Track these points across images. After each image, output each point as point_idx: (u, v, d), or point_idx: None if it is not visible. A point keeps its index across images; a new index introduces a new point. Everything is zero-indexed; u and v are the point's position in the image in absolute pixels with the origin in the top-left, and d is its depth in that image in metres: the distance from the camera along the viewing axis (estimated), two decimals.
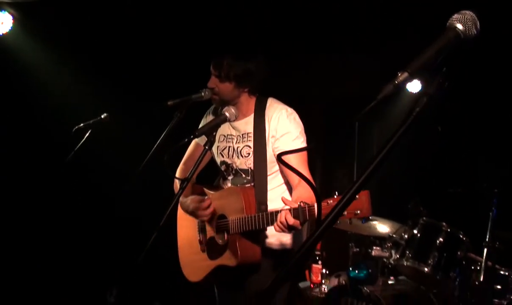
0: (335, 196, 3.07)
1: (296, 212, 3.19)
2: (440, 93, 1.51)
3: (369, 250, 5.62)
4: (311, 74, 7.16)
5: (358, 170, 7.43)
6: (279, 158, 1.83)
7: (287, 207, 3.27)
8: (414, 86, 6.84)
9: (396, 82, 1.53)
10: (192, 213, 3.96)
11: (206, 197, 3.93)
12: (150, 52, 6.52)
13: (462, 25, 1.60)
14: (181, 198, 4.00)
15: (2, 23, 5.93)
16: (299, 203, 3.18)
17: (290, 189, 3.82)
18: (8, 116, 6.29)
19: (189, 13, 6.10)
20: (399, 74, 1.53)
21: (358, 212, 2.93)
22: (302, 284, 6.03)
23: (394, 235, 5.36)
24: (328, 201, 3.07)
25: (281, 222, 3.25)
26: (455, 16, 1.61)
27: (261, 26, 6.29)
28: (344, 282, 5.57)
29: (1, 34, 5.97)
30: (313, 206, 3.14)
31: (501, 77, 6.04)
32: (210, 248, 3.95)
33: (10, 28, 5.98)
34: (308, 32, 6.57)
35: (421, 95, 1.53)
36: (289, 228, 3.25)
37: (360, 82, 6.97)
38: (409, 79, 1.52)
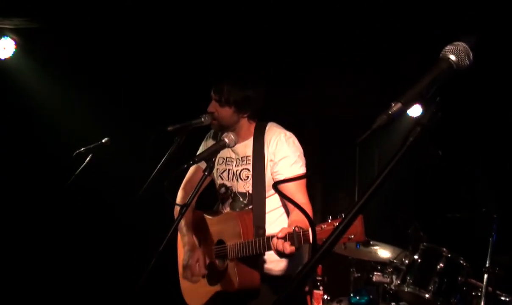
0: (329, 220, 3.07)
1: (291, 236, 3.18)
2: (433, 123, 1.53)
3: (370, 276, 5.59)
4: (308, 96, 7.19)
5: (359, 193, 7.42)
6: (274, 186, 1.85)
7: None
8: (415, 111, 6.85)
9: (390, 112, 1.55)
10: (183, 267, 3.97)
11: (202, 268, 3.92)
12: (151, 77, 6.56)
13: (455, 56, 1.63)
14: (183, 227, 4.01)
15: (5, 48, 5.99)
16: (293, 228, 3.17)
17: (288, 211, 3.82)
18: (8, 140, 6.32)
19: (191, 38, 6.14)
20: (393, 105, 1.56)
21: (352, 236, 2.93)
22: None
23: (395, 260, 5.34)
24: (322, 226, 3.05)
25: (277, 248, 3.24)
26: (448, 47, 1.64)
27: (259, 48, 6.32)
28: None
29: (3, 59, 6.02)
30: (308, 230, 3.13)
31: (499, 102, 6.06)
32: (210, 273, 3.94)
33: (12, 53, 6.04)
34: (305, 54, 6.61)
35: (415, 125, 1.55)
36: (286, 255, 3.22)
37: (358, 104, 7.00)
38: (403, 109, 1.54)
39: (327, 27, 6.07)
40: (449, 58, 1.62)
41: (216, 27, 5.98)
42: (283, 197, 1.77)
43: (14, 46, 6.05)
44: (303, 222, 3.31)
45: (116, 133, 4.55)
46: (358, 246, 5.60)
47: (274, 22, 5.96)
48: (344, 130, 7.10)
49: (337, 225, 1.54)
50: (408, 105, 1.54)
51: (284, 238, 3.19)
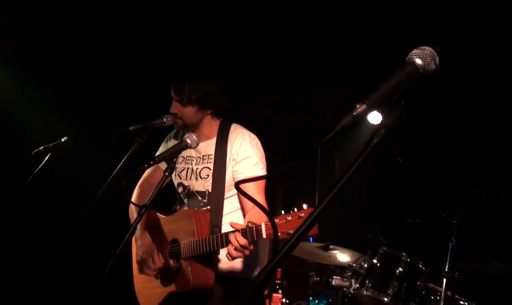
0: (282, 214, 3.08)
1: (244, 232, 3.17)
2: (398, 126, 1.52)
3: (329, 279, 5.60)
4: (272, 102, 7.20)
5: (319, 198, 7.44)
6: (236, 185, 1.83)
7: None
8: (375, 118, 6.91)
9: (355, 113, 1.54)
10: (139, 264, 3.92)
11: (157, 259, 3.87)
12: (112, 76, 6.50)
13: (422, 60, 1.62)
14: (137, 228, 3.94)
15: None
16: (247, 224, 3.17)
17: (245, 214, 3.81)
18: None
19: (149, 37, 6.11)
20: (358, 106, 1.54)
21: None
22: None
23: (354, 264, 5.37)
24: (276, 220, 3.06)
25: (232, 243, 3.21)
26: (415, 51, 1.64)
27: (223, 54, 6.32)
28: None
29: None
30: (260, 225, 3.12)
31: (461, 108, 6.14)
32: (163, 274, 3.90)
33: None
34: (271, 60, 6.62)
35: (379, 127, 1.54)
36: (242, 248, 3.21)
37: (321, 111, 7.02)
38: (367, 111, 1.53)
39: (296, 34, 6.10)
40: (415, 62, 1.62)
41: (178, 26, 5.95)
42: (243, 195, 1.75)
43: None
44: (257, 220, 3.31)
45: (76, 133, 4.47)
46: (311, 240, 5.64)
47: (239, 24, 5.97)
48: (308, 139, 7.13)
49: (298, 227, 1.51)
50: (373, 106, 1.53)
51: (240, 233, 3.20)
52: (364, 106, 1.53)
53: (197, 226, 3.60)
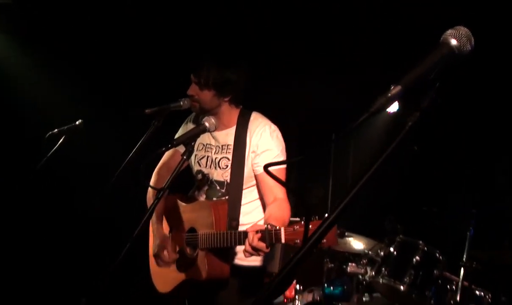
0: (302, 222, 3.05)
1: (263, 234, 3.12)
2: (433, 109, 1.46)
3: (344, 266, 5.56)
4: (286, 90, 7.14)
5: (333, 186, 7.39)
6: (266, 168, 1.76)
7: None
8: (392, 107, 6.85)
9: (389, 95, 1.47)
10: (154, 254, 3.91)
11: (173, 254, 3.86)
12: (129, 59, 6.45)
13: (457, 40, 1.56)
14: (155, 212, 3.91)
15: None
16: (266, 226, 3.12)
17: (263, 205, 3.76)
18: None
19: (170, 19, 6.05)
20: (392, 87, 1.48)
21: (324, 241, 2.90)
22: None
23: (370, 252, 5.32)
24: (295, 227, 3.02)
25: (249, 244, 3.17)
26: (449, 31, 1.58)
27: (244, 41, 6.26)
28: (318, 298, 5.50)
29: None
30: (279, 230, 3.06)
31: (482, 96, 6.05)
32: (180, 260, 3.88)
33: None
34: (285, 48, 6.57)
35: (413, 110, 1.48)
36: (255, 250, 3.17)
37: (335, 99, 6.97)
38: (402, 92, 1.47)
39: (311, 25, 6.05)
40: (450, 42, 1.55)
41: (197, 10, 5.90)
42: (273, 177, 1.69)
43: None
44: (279, 218, 3.31)
45: (91, 116, 4.43)
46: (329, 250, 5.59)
47: (259, 13, 5.92)
48: (322, 125, 7.09)
49: (324, 219, 1.46)
50: (408, 88, 1.47)
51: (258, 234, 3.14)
52: (398, 88, 1.47)
53: (216, 219, 3.57)
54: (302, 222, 3.02)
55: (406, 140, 1.43)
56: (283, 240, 3.04)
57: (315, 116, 7.49)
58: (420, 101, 1.49)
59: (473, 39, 1.55)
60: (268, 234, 3.08)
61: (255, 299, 1.51)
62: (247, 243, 3.17)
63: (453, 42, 1.55)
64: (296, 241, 3.00)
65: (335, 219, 1.44)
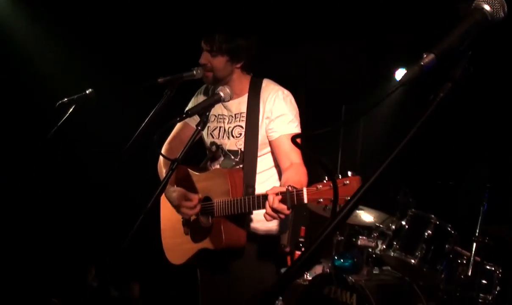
0: (325, 181, 2.97)
1: (284, 196, 3.07)
2: (465, 79, 1.41)
3: (354, 239, 5.55)
4: (294, 59, 7.08)
5: (342, 159, 7.36)
6: (293, 139, 1.72)
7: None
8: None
9: (422, 63, 1.41)
10: (176, 207, 3.83)
11: (193, 195, 3.76)
12: (140, 27, 6.40)
13: (490, 6, 1.49)
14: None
15: None
16: (287, 187, 3.07)
17: (279, 171, 3.72)
18: None
19: None
20: (425, 56, 1.42)
21: (348, 198, 2.84)
22: (284, 271, 5.93)
23: (381, 225, 5.31)
24: (318, 186, 2.97)
25: (269, 206, 3.12)
26: None
27: (255, 7, 6.20)
28: (328, 271, 5.48)
29: None
30: (302, 190, 3.01)
31: (499, 74, 5.96)
32: (194, 231, 3.84)
33: None
34: (293, 18, 6.51)
35: (444, 80, 1.42)
36: (276, 213, 3.11)
37: (343, 69, 6.92)
38: (435, 61, 1.41)
39: None
40: (483, 8, 1.48)
41: None
42: (300, 149, 1.63)
43: None
44: (297, 182, 3.23)
45: (102, 84, 4.39)
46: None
47: None
48: (331, 96, 7.04)
49: (360, 186, 1.42)
50: (441, 56, 1.41)
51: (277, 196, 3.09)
52: (431, 56, 1.41)
53: (232, 186, 3.52)
54: (325, 181, 2.95)
55: (437, 113, 1.37)
56: (305, 200, 3.00)
57: (323, 82, 7.44)
58: (451, 71, 1.43)
59: (506, 6, 1.48)
60: (289, 195, 3.04)
61: (285, 271, 1.47)
62: (267, 205, 3.12)
63: (486, 7, 1.49)
64: (320, 200, 2.95)
65: (367, 191, 1.39)
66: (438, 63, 1.40)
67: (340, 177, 2.90)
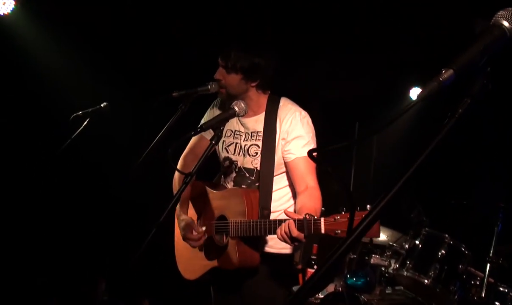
0: (343, 212, 2.99)
1: (300, 224, 3.08)
2: (483, 95, 1.39)
3: (366, 258, 5.51)
4: (309, 75, 7.08)
5: (355, 177, 7.32)
6: (310, 153, 1.70)
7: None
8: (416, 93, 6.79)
9: (441, 79, 1.40)
10: (182, 236, 3.85)
11: (200, 229, 3.79)
12: (157, 41, 6.42)
13: (509, 22, 1.47)
14: (177, 205, 3.88)
15: (4, 3, 5.80)
16: (304, 216, 3.08)
17: (293, 190, 3.71)
18: (4, 100, 6.18)
19: (199, 2, 6.01)
20: (444, 71, 1.40)
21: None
22: (296, 289, 5.89)
23: (394, 244, 5.27)
24: (336, 217, 2.98)
25: (284, 232, 3.14)
26: (501, 12, 1.49)
27: (267, 23, 6.21)
28: (340, 289, 5.44)
29: (2, 14, 5.84)
30: (319, 220, 3.03)
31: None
32: (208, 248, 3.83)
33: (11, 9, 5.86)
34: (308, 32, 6.51)
35: (463, 96, 1.41)
36: (291, 240, 3.15)
37: (358, 86, 6.91)
38: (453, 76, 1.39)
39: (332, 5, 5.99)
40: (502, 25, 1.46)
41: None
42: (317, 163, 1.63)
43: (14, 2, 5.86)
44: (312, 208, 3.26)
45: (116, 98, 4.40)
46: (371, 242, 5.52)
47: None
48: (345, 112, 7.03)
49: (367, 214, 1.40)
50: (460, 72, 1.39)
51: (294, 224, 3.11)
52: (450, 71, 1.39)
53: (248, 207, 3.52)
54: (343, 212, 2.96)
55: (455, 128, 1.36)
56: (323, 230, 3.00)
57: (337, 98, 7.43)
58: (470, 87, 1.41)
59: None
60: (306, 224, 3.05)
61: (297, 290, 1.45)
62: (282, 231, 3.15)
63: (505, 23, 1.47)
64: (337, 231, 2.96)
65: (382, 210, 1.37)
66: (456, 79, 1.39)
67: (358, 209, 2.90)
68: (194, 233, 3.76)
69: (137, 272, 3.00)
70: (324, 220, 3.01)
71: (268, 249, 3.69)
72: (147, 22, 6.29)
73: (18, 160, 6.18)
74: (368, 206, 2.88)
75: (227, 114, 3.36)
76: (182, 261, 4.11)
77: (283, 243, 3.59)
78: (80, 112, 4.20)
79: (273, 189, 3.67)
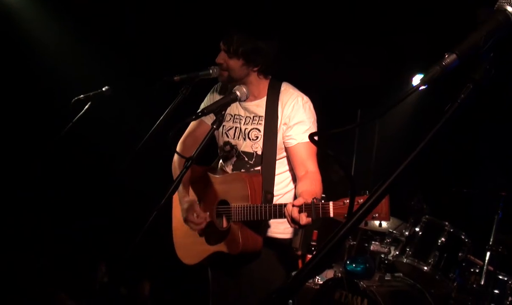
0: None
1: (308, 208, 3.08)
2: (486, 81, 1.38)
3: (366, 245, 5.53)
4: (311, 62, 7.06)
5: (356, 165, 7.32)
6: (311, 137, 1.70)
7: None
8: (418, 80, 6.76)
9: (444, 63, 1.39)
10: (184, 219, 3.82)
11: (203, 213, 3.76)
12: (158, 25, 6.40)
13: None
14: (180, 187, 3.85)
15: None
16: (312, 199, 3.08)
17: (293, 176, 3.71)
18: (7, 83, 6.17)
19: None
20: (447, 56, 1.39)
21: (376, 215, 2.89)
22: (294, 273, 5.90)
23: (394, 231, 5.28)
24: (344, 201, 2.99)
25: (293, 218, 3.13)
26: None
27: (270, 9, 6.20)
28: (339, 275, 5.45)
29: None
30: (328, 204, 3.04)
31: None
32: (208, 233, 3.81)
33: None
34: (310, 20, 6.49)
35: (465, 82, 1.40)
36: (299, 225, 3.14)
37: (360, 73, 6.89)
38: (457, 61, 1.38)
39: None
40: (506, 10, 1.45)
41: None
42: (319, 147, 1.62)
43: None
44: (314, 193, 3.25)
45: (118, 82, 4.39)
46: (380, 225, 5.54)
47: None
48: (347, 99, 7.02)
49: (373, 191, 1.40)
50: (463, 57, 1.38)
51: (300, 208, 3.10)
52: (453, 56, 1.38)
53: (251, 192, 3.51)
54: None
55: (457, 114, 1.35)
56: (331, 214, 3.02)
57: (339, 85, 7.42)
58: (472, 72, 1.40)
59: None
60: (314, 208, 3.05)
61: (295, 273, 1.45)
62: (290, 215, 3.14)
63: (509, 9, 1.45)
64: (346, 215, 2.96)
65: (383, 193, 1.37)
66: (459, 63, 1.38)
67: (365, 193, 2.91)
68: (195, 215, 3.74)
69: (137, 255, 3.00)
70: (333, 203, 3.02)
71: (269, 233, 3.70)
72: (149, 5, 6.27)
73: (19, 144, 6.18)
74: (367, 192, 2.90)
75: (229, 98, 3.36)
76: (181, 247, 4.09)
77: (284, 227, 3.62)
78: (82, 95, 4.18)
79: (275, 173, 3.66)
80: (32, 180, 6.10)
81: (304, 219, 3.08)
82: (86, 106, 4.17)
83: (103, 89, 4.21)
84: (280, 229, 3.69)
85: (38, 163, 5.72)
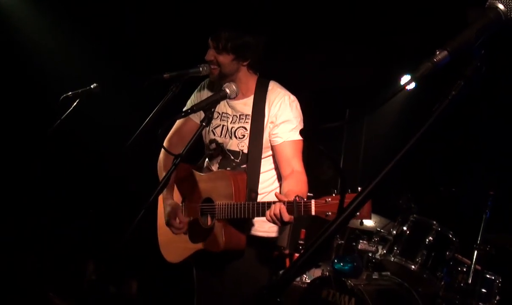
0: (334, 194, 3.03)
1: (290, 206, 3.09)
2: (477, 77, 1.38)
3: (354, 243, 5.54)
4: (299, 62, 7.07)
5: (345, 161, 7.34)
6: (302, 132, 1.70)
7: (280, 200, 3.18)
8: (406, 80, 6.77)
9: (435, 60, 1.39)
10: (166, 222, 3.82)
11: (183, 218, 3.79)
12: (147, 22, 6.39)
13: (504, 5, 1.46)
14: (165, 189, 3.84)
15: None
16: (294, 198, 3.09)
17: (278, 174, 3.73)
18: None
19: None
20: (438, 52, 1.40)
21: (358, 213, 2.86)
22: (282, 272, 5.90)
23: (382, 230, 5.29)
24: (327, 199, 3.00)
25: (274, 215, 3.15)
26: None
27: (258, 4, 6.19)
28: (327, 274, 5.46)
29: None
30: (309, 202, 3.05)
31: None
32: (192, 231, 3.82)
33: None
34: (299, 20, 6.50)
35: (456, 78, 1.40)
36: (282, 222, 3.16)
37: (349, 73, 6.90)
38: (448, 58, 1.39)
39: None
40: (497, 7, 1.45)
41: None
42: (311, 142, 1.63)
43: None
44: (299, 192, 3.25)
45: (107, 79, 4.37)
46: (361, 223, 5.53)
47: None
48: (335, 99, 7.03)
49: (358, 194, 1.40)
50: (454, 54, 1.38)
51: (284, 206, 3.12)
52: (444, 53, 1.38)
53: (235, 190, 3.51)
54: (334, 194, 2.97)
55: (448, 112, 1.35)
56: (313, 212, 3.03)
57: (328, 85, 7.43)
58: (463, 70, 1.41)
59: None
60: (296, 206, 3.06)
61: (284, 271, 1.45)
62: (271, 212, 3.16)
63: (500, 6, 1.46)
64: (328, 213, 2.98)
65: (372, 191, 1.37)
66: (450, 60, 1.38)
67: (350, 192, 2.91)
68: (177, 220, 3.75)
69: (125, 254, 2.99)
70: (315, 201, 3.03)
71: (253, 232, 3.70)
72: (137, 3, 6.25)
73: (7, 141, 6.15)
74: (359, 188, 2.89)
75: (218, 96, 3.35)
76: (165, 245, 4.09)
77: (269, 226, 3.62)
78: (70, 93, 4.16)
79: (260, 171, 3.67)
80: (19, 176, 6.09)
81: (286, 216, 3.10)
82: (75, 104, 4.15)
83: (92, 86, 4.19)
84: (265, 227, 3.68)
85: (27, 160, 5.71)
